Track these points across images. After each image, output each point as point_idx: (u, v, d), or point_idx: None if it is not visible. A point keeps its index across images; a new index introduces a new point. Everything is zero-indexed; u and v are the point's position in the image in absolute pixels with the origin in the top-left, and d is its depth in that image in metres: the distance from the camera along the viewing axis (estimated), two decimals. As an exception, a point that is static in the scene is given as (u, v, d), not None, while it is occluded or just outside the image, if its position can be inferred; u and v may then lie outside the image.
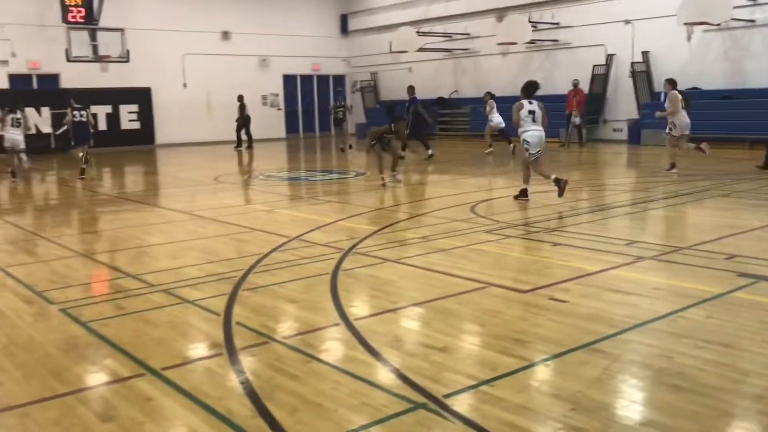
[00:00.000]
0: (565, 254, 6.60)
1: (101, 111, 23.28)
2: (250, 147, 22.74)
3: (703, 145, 12.62)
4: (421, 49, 24.52)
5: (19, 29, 21.95)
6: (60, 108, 22.34)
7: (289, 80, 28.65)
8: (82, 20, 21.24)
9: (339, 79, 30.29)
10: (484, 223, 8.36)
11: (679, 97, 12.63)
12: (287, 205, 11.10)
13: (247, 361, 4.03)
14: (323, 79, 29.86)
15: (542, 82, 22.46)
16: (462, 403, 3.37)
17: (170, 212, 10.20)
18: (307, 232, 7.97)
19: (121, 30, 21.85)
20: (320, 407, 3.39)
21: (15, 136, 14.52)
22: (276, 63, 27.86)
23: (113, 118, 23.68)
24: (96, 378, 3.90)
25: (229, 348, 4.24)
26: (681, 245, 6.83)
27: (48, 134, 22.21)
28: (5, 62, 21.93)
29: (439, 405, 3.36)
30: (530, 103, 9.60)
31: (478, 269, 6.07)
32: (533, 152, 9.62)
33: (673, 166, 12.59)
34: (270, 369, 3.88)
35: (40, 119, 22.20)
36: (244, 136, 22.97)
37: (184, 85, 25.41)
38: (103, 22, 21.74)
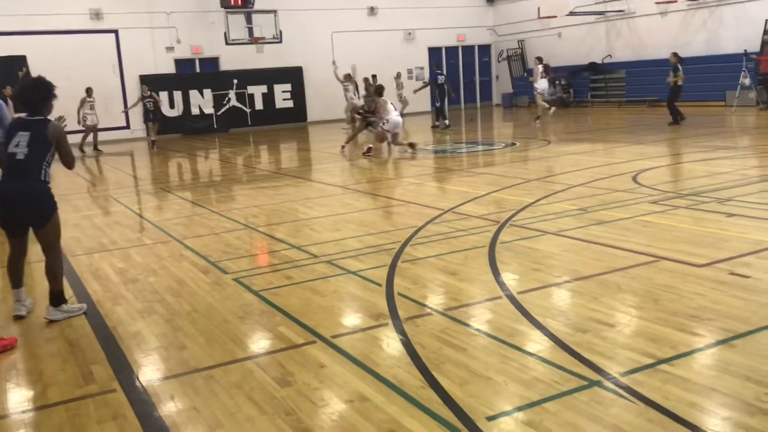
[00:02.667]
0: (742, 225, 6.09)
1: (257, 91, 24.42)
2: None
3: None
4: (571, 13, 23.50)
5: (183, 17, 23.40)
6: (220, 90, 23.76)
7: (434, 52, 28.54)
8: (239, 4, 22.29)
9: (484, 49, 29.76)
10: (649, 193, 7.91)
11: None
12: (438, 178, 11.10)
13: (412, 331, 4.07)
14: (468, 50, 29.46)
15: (705, 42, 21.13)
16: (641, 383, 3.20)
17: (326, 186, 10.52)
18: (460, 205, 7.92)
19: (274, 12, 22.71)
20: (490, 381, 3.35)
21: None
22: (421, 36, 27.83)
23: (269, 98, 24.74)
24: (271, 344, 4.10)
25: (393, 318, 4.30)
26: None
27: (210, 115, 23.61)
28: (171, 48, 23.47)
29: (615, 383, 3.22)
30: None
31: (646, 242, 5.75)
32: None
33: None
34: (436, 340, 3.89)
35: (203, 101, 23.64)
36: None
37: (333, 63, 26.03)
38: (258, 5, 22.68)
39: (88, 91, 18.60)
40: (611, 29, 24.80)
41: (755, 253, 5.18)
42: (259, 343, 4.15)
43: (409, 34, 27.66)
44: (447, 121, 19.72)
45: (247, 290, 5.15)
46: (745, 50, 18.81)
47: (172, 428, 3.14)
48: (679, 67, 16.00)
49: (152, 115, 19.33)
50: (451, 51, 29.08)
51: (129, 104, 20.82)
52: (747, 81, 18.41)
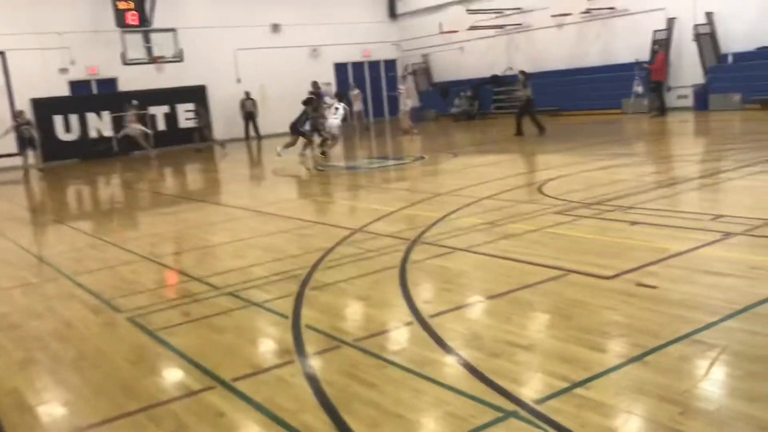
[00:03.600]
0: (646, 234, 6.18)
1: (159, 111, 23.58)
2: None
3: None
4: (471, 28, 23.92)
5: (77, 36, 22.34)
6: (119, 111, 22.78)
7: (340, 68, 28.46)
8: (136, 23, 21.48)
9: (390, 64, 29.94)
10: (554, 203, 7.97)
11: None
12: (348, 196, 10.91)
13: (320, 367, 3.82)
14: (374, 65, 29.56)
15: (600, 53, 21.96)
16: (557, 410, 3.08)
17: (231, 209, 10.13)
18: (370, 223, 7.75)
19: (174, 30, 22.01)
20: (402, 419, 3.15)
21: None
22: (326, 52, 27.70)
23: (171, 118, 23.94)
24: (166, 392, 3.75)
25: (300, 354, 4.05)
26: (773, 217, 6.31)
27: (109, 138, 22.60)
28: (65, 70, 22.36)
29: (531, 412, 3.08)
30: None
31: (555, 254, 5.73)
32: None
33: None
34: (345, 376, 3.66)
35: (102, 123, 22.61)
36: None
37: (238, 81, 25.51)
38: (156, 23, 21.95)
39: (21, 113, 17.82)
40: (511, 43, 25.44)
41: (660, 261, 5.23)
42: (153, 391, 3.78)
43: (314, 50, 27.50)
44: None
45: (141, 331, 4.77)
46: (637, 59, 19.65)
47: (47, 503, 2.77)
48: (527, 83, 17.20)
49: (29, 141, 18.35)
50: (358, 66, 29.10)
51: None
52: (640, 89, 19.20)
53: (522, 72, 17.62)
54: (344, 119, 16.29)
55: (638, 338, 3.81)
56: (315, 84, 22.80)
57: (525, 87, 17.22)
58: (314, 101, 16.46)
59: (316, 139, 15.92)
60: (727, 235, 5.84)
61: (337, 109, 15.84)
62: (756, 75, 17.82)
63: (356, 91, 24.91)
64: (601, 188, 8.67)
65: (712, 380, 3.27)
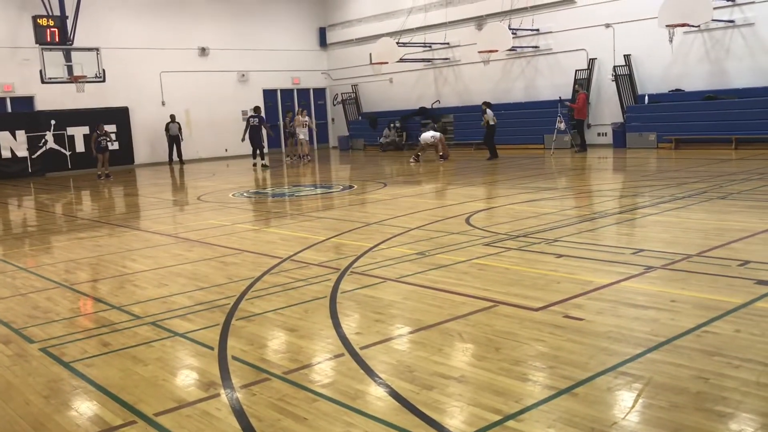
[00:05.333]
0: (571, 266, 6.33)
1: (78, 132, 22.81)
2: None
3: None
4: (401, 60, 24.31)
5: (-8, 52, 21.47)
6: (36, 131, 21.88)
7: (269, 95, 28.32)
8: (56, 41, 20.78)
9: (320, 92, 30.02)
10: (482, 235, 8.08)
11: None
12: (275, 224, 10.75)
13: (248, 401, 3.69)
14: (304, 93, 29.57)
15: (524, 89, 22.69)
16: (490, 443, 3.06)
17: (153, 235, 9.81)
18: (299, 252, 7.65)
19: (96, 49, 21.42)
20: (334, 455, 3.07)
21: None
22: (255, 78, 27.54)
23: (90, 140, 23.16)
24: (82, 429, 3.53)
25: (227, 387, 3.90)
26: (689, 252, 6.58)
27: (24, 158, 21.68)
28: (-23, 86, 21.42)
29: (464, 446, 3.05)
30: None
31: (483, 286, 5.78)
32: None
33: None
34: (274, 410, 3.54)
35: (16, 143, 21.67)
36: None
37: (163, 103, 25.00)
38: (78, 42, 21.31)
39: None
40: (439, 76, 25.97)
41: (585, 293, 5.35)
42: (68, 429, 3.55)
43: (243, 75, 27.30)
44: (264, 161, 21.90)
45: (56, 362, 4.50)
46: (560, 97, 20.37)
47: None
48: (488, 110, 19.38)
49: None
50: (287, 93, 29.04)
51: None
52: (562, 126, 19.89)
53: (485, 102, 19.82)
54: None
55: (566, 370, 3.85)
56: (257, 108, 22.81)
57: (483, 116, 19.49)
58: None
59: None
60: (648, 268, 6.04)
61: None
62: (669, 115, 18.79)
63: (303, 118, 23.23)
64: (527, 221, 8.86)
65: (638, 412, 3.32)
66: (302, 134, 22.53)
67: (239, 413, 3.53)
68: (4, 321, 5.55)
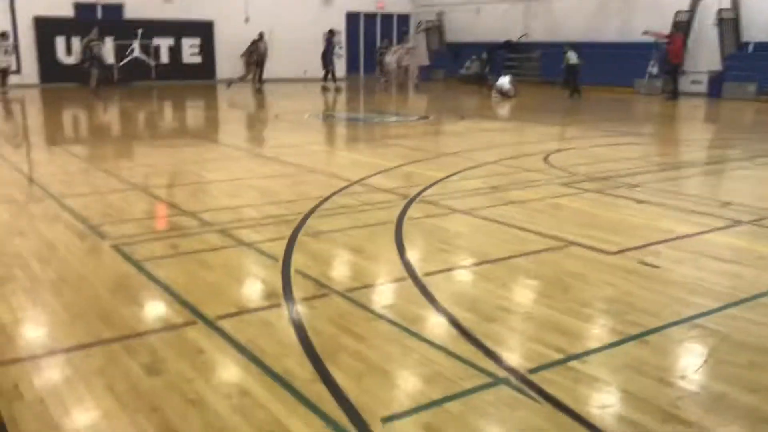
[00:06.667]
0: (652, 213, 6.02)
1: (164, 43, 23.09)
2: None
3: None
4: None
5: (85, -43, 21.74)
6: (125, 39, 22.26)
7: (352, 18, 27.86)
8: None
9: (404, 18, 29.33)
10: (559, 175, 7.79)
11: None
12: (348, 147, 10.69)
13: (307, 314, 3.67)
14: (387, 18, 28.95)
15: (618, 28, 21.51)
16: (550, 381, 2.94)
17: (229, 149, 9.91)
18: (369, 176, 7.56)
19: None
20: (388, 375, 3.02)
21: None
22: (340, 1, 27.09)
23: (175, 51, 23.44)
24: (145, 324, 3.61)
25: (288, 298, 3.90)
26: (782, 210, 6.15)
27: (110, 65, 22.15)
28: (71, -10, 21.80)
29: (523, 381, 2.95)
30: None
31: (557, 225, 5.56)
32: None
33: None
34: (332, 325, 3.52)
35: (104, 50, 22.10)
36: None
37: (246, 20, 24.93)
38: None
39: (4, 34, 18.14)
40: (528, 10, 24.90)
41: (665, 242, 5.08)
42: (131, 322, 3.62)
43: (328, -3, 26.86)
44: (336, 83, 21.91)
45: (125, 260, 4.60)
46: (655, 40, 19.23)
47: (9, 424, 2.63)
48: (569, 52, 18.42)
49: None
50: (370, 19, 28.51)
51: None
52: (655, 70, 18.85)
53: (568, 44, 18.82)
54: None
55: (638, 317, 3.67)
56: (331, 31, 22.59)
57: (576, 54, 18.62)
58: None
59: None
60: (736, 222, 5.68)
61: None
62: (774, 67, 17.50)
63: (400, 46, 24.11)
64: (609, 164, 8.48)
65: (712, 367, 3.13)
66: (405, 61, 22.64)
67: (298, 325, 3.52)
68: (81, 216, 5.71)
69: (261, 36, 22.30)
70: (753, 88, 17.98)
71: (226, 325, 3.51)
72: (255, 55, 21.68)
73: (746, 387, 2.93)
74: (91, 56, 18.96)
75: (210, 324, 3.53)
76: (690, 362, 3.20)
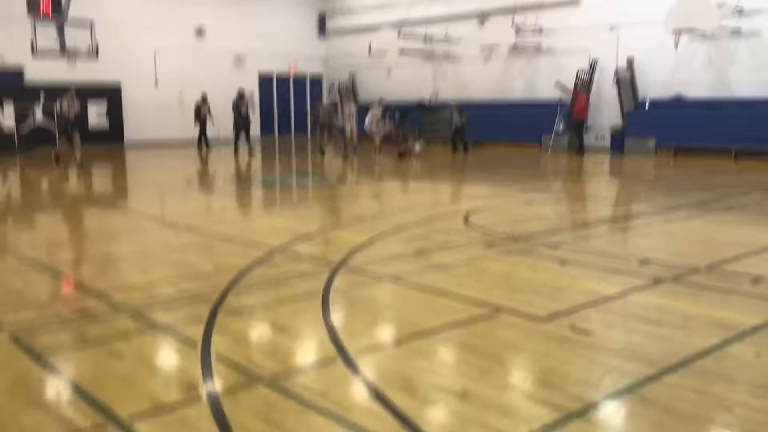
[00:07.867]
0: (575, 274, 6.04)
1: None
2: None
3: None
4: (400, 52, 23.94)
5: (-18, 19, 20.91)
6: (25, 102, 21.34)
7: (265, 79, 27.89)
8: (48, 12, 20.20)
9: (316, 80, 29.60)
10: (480, 236, 7.79)
11: None
12: (266, 212, 10.42)
13: (231, 408, 3.37)
14: (300, 80, 29.14)
15: (523, 88, 22.39)
16: (499, 473, 2.77)
17: (139, 217, 9.46)
18: (289, 243, 7.32)
19: (90, 22, 20.88)
20: (326, 478, 2.77)
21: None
22: (252, 61, 27.10)
23: (81, 115, 22.61)
24: (47, 430, 3.21)
25: (209, 390, 3.58)
26: (698, 264, 6.31)
27: (11, 131, 21.13)
28: (-34, 53, 20.86)
29: (471, 475, 2.75)
30: None
31: (485, 290, 5.48)
32: None
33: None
34: (260, 421, 3.23)
35: (3, 116, 21.13)
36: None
37: (156, 82, 24.52)
38: (72, 12, 20.75)
39: None
40: (438, 70, 25.60)
41: (593, 305, 5.07)
42: (31, 429, 3.23)
43: (239, 58, 26.85)
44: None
45: (25, 352, 4.16)
46: (560, 97, 20.08)
47: None
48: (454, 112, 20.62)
49: None
50: (282, 81, 28.62)
51: None
52: (561, 127, 19.61)
53: (454, 105, 20.63)
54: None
55: (578, 389, 3.56)
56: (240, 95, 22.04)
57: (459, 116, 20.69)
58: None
59: None
60: (657, 280, 5.76)
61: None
62: (669, 122, 18.55)
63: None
64: (526, 223, 8.57)
65: (659, 443, 3.04)
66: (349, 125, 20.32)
67: (221, 422, 3.22)
68: (-26, 303, 5.20)
69: (204, 98, 21.80)
70: (652, 144, 18.96)
71: (141, 428, 3.17)
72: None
73: (696, 465, 2.84)
74: None
75: (123, 427, 3.17)
76: (636, 439, 3.10)
